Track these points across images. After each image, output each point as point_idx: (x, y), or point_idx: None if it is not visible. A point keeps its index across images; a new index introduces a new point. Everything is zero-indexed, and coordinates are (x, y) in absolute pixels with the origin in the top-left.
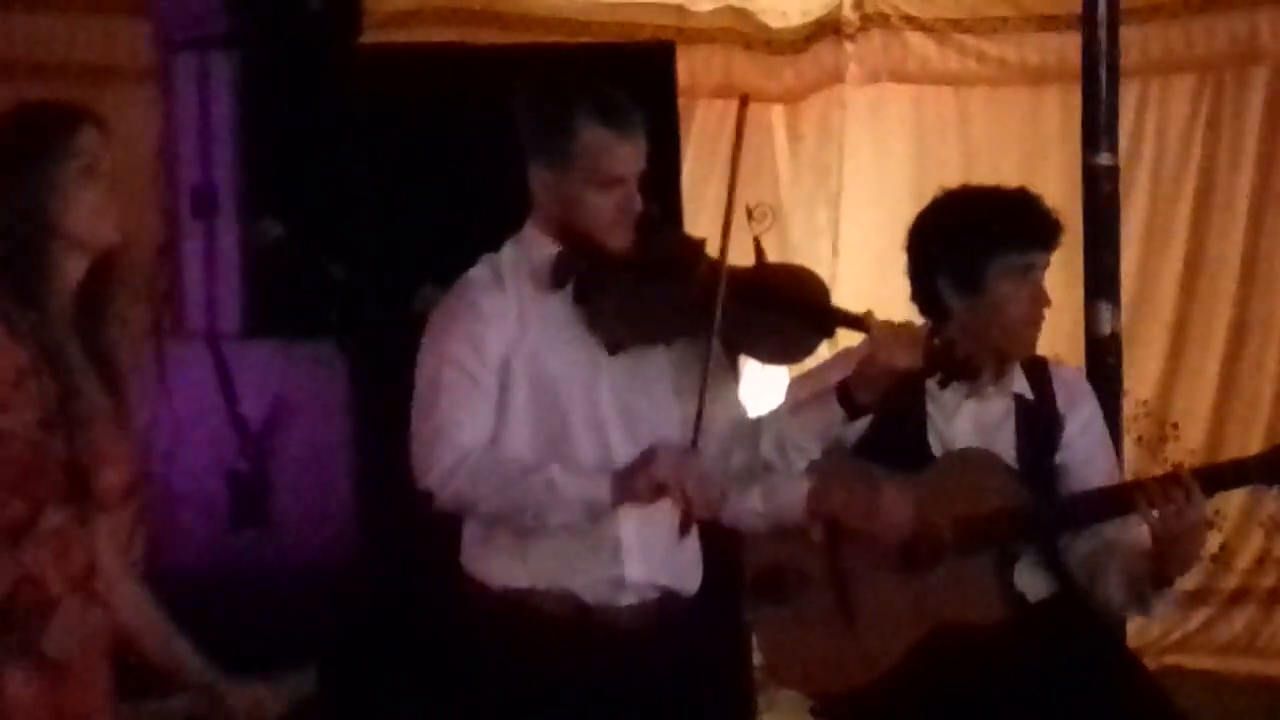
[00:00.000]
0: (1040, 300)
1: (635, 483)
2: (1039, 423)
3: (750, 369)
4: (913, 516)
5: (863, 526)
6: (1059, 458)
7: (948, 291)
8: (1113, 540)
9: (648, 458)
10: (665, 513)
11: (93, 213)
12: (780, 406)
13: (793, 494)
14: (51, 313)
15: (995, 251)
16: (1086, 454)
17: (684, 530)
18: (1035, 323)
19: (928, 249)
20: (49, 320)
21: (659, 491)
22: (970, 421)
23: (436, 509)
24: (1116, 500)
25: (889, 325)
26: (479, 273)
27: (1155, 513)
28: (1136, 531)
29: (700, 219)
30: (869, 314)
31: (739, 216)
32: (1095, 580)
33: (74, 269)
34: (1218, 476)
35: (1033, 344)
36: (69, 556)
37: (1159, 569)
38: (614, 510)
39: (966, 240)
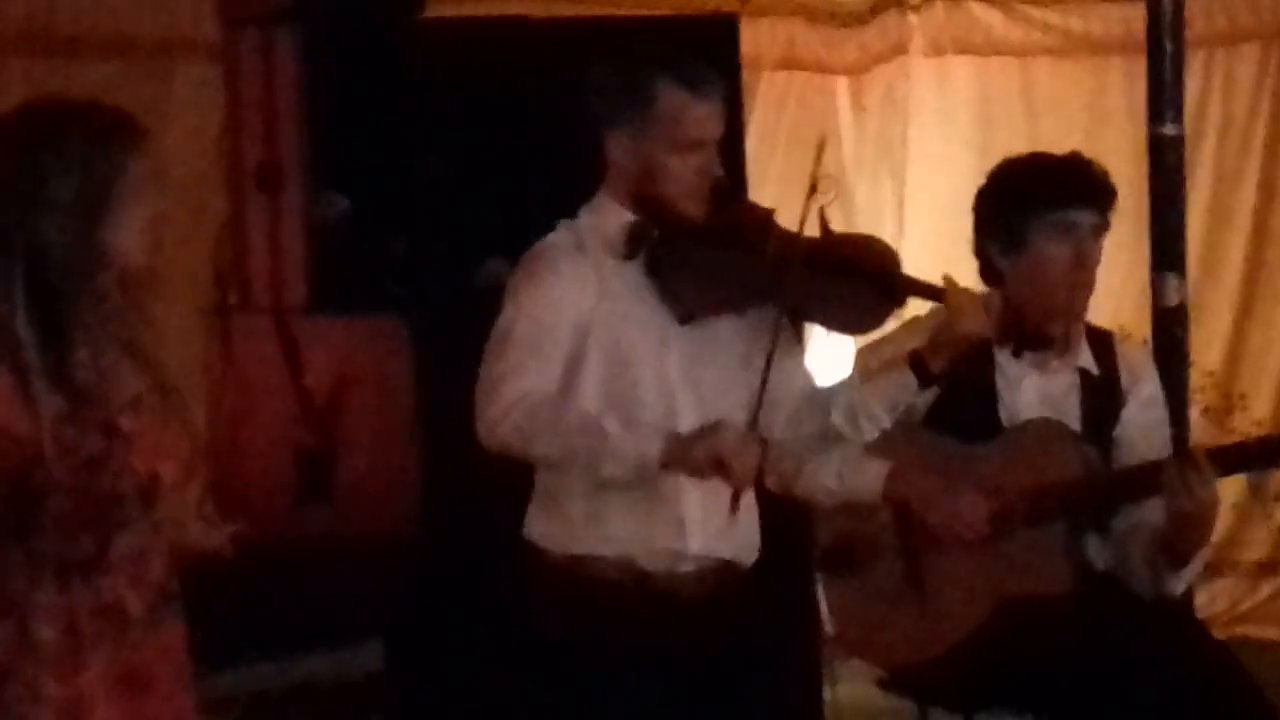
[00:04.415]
0: (1085, 262)
1: (694, 452)
2: (1102, 397)
3: (816, 338)
4: (983, 521)
5: (936, 525)
6: (1116, 432)
7: (996, 253)
8: (1139, 522)
9: (712, 431)
10: (725, 488)
11: (143, 230)
12: (851, 375)
13: (869, 477)
14: (93, 325)
15: (1035, 209)
16: (1143, 431)
17: (734, 508)
18: (1079, 284)
19: (979, 212)
20: (90, 336)
21: (715, 466)
22: (1035, 395)
23: (493, 451)
24: (1135, 481)
25: (964, 293)
26: (560, 237)
27: (1170, 493)
28: (1159, 513)
29: (764, 191)
30: (948, 278)
31: (804, 189)
32: (1123, 561)
33: (114, 278)
34: (1224, 457)
35: (1077, 306)
36: (147, 572)
37: (1172, 547)
38: (662, 473)
39: (1009, 199)
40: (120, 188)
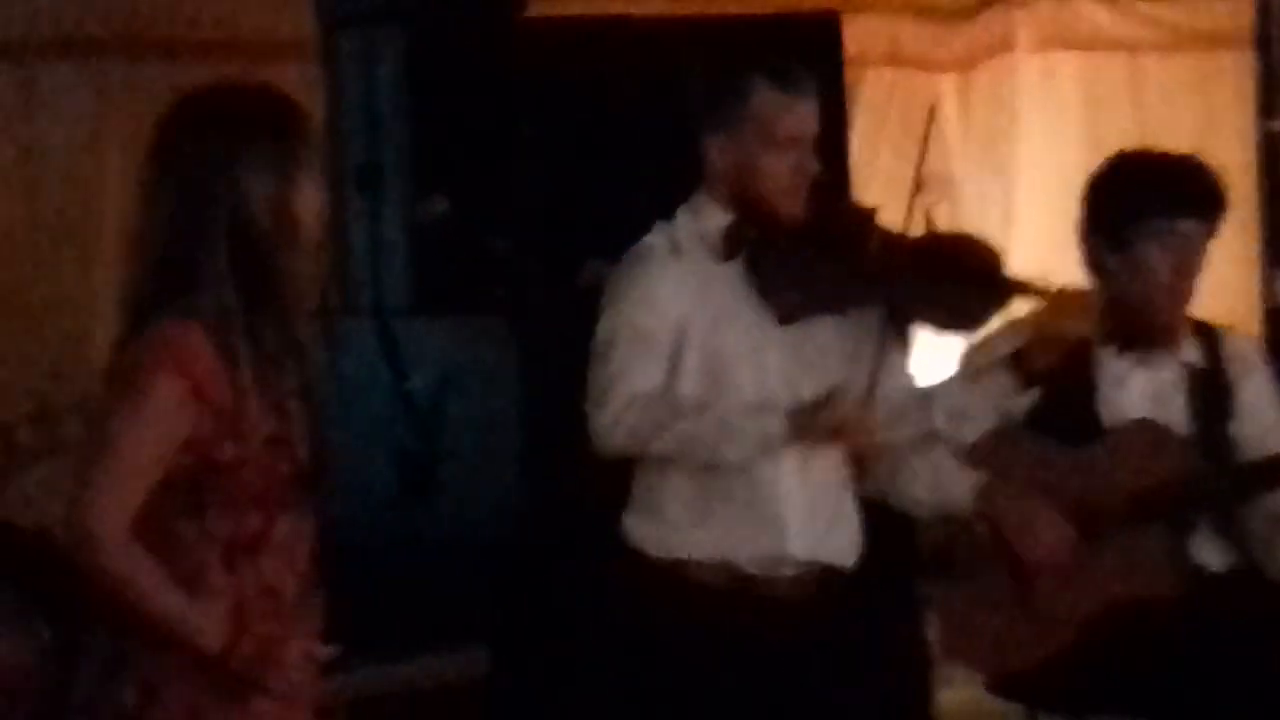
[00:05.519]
0: (1189, 271)
1: (814, 420)
2: (1210, 392)
3: (922, 339)
4: (1067, 549)
5: (1020, 551)
6: (1233, 429)
7: (1100, 246)
8: (1276, 513)
9: (828, 400)
10: (827, 488)
11: (317, 209)
12: (952, 377)
13: (959, 491)
14: (283, 302)
15: (1144, 214)
16: (1264, 424)
17: (860, 475)
18: (1177, 292)
19: (1088, 202)
20: (274, 320)
21: (835, 433)
22: (1140, 392)
23: (610, 456)
24: (1250, 479)
25: (1064, 292)
26: (656, 240)
27: None
28: None
29: (870, 189)
30: (1043, 281)
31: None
32: (1269, 552)
33: (300, 254)
34: None
35: (1176, 312)
36: (298, 558)
37: None
38: (788, 446)
39: (1119, 198)
40: (301, 163)
